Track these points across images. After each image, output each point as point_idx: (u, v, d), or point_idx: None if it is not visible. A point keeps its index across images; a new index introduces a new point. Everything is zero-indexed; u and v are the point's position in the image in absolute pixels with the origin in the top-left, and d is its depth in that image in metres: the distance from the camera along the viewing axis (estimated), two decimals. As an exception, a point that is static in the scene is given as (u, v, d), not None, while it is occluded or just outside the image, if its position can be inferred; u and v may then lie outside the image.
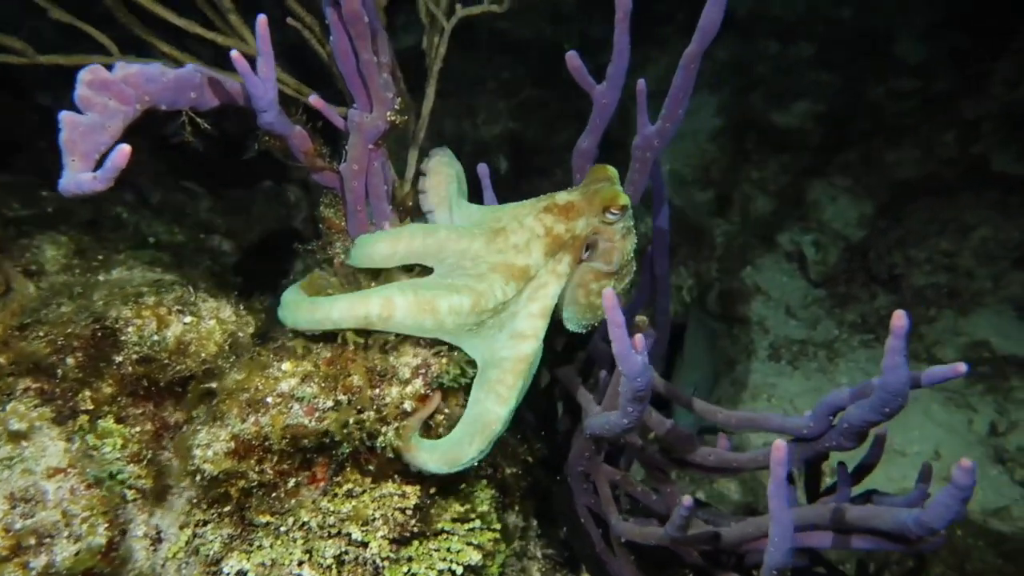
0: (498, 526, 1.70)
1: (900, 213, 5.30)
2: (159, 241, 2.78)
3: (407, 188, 1.72)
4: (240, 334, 1.55)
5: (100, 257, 1.81)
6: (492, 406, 1.38)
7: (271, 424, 1.25)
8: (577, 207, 1.47)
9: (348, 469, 1.38)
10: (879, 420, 1.30)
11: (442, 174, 1.59)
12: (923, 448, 3.27)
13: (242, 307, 1.57)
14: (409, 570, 1.44)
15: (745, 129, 6.26)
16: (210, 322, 1.46)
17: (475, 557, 1.54)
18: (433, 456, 1.35)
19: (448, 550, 1.52)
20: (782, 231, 5.54)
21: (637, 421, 1.36)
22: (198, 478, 1.23)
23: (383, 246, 1.42)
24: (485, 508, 1.65)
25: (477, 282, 1.40)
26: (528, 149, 5.59)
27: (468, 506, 1.61)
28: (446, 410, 1.43)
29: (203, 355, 1.41)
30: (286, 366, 1.30)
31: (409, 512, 1.44)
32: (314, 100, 1.49)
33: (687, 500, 1.37)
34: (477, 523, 1.61)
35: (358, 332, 1.29)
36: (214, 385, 1.29)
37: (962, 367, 1.14)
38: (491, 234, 1.49)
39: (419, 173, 1.63)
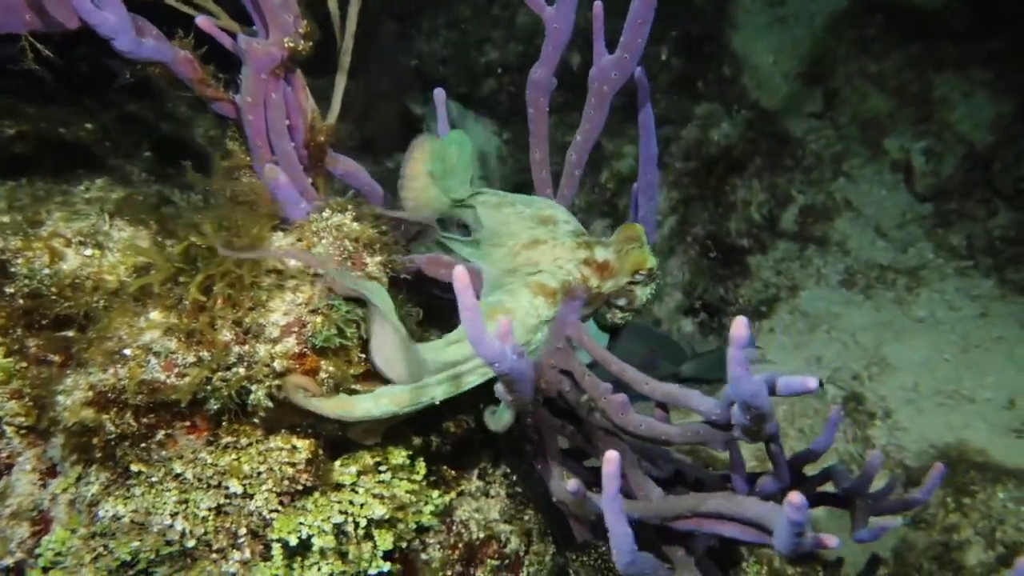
0: (419, 476, 1.64)
1: (1043, 114, 4.57)
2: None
3: (332, 121, 1.58)
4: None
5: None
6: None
7: (128, 377, 1.22)
8: (611, 268, 1.60)
9: (231, 422, 1.34)
10: (752, 426, 1.11)
11: (421, 161, 1.64)
12: (996, 395, 2.88)
13: (163, 238, 1.53)
14: (304, 522, 1.42)
15: (872, 11, 5.48)
16: (115, 255, 1.43)
17: (380, 510, 1.50)
18: (380, 400, 1.36)
19: (351, 503, 1.49)
20: (892, 136, 4.92)
21: (522, 400, 1.23)
22: (60, 425, 1.24)
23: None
24: (401, 460, 1.59)
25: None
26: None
27: (379, 458, 1.56)
28: (330, 368, 1.35)
29: (101, 290, 1.39)
30: (153, 315, 1.26)
31: (300, 466, 1.40)
32: (201, 21, 1.36)
33: (571, 484, 1.25)
34: (388, 475, 1.56)
35: (201, 288, 1.21)
36: (70, 333, 1.27)
37: (812, 382, 0.94)
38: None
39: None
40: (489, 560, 1.98)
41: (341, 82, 1.58)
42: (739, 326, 0.90)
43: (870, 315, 3.40)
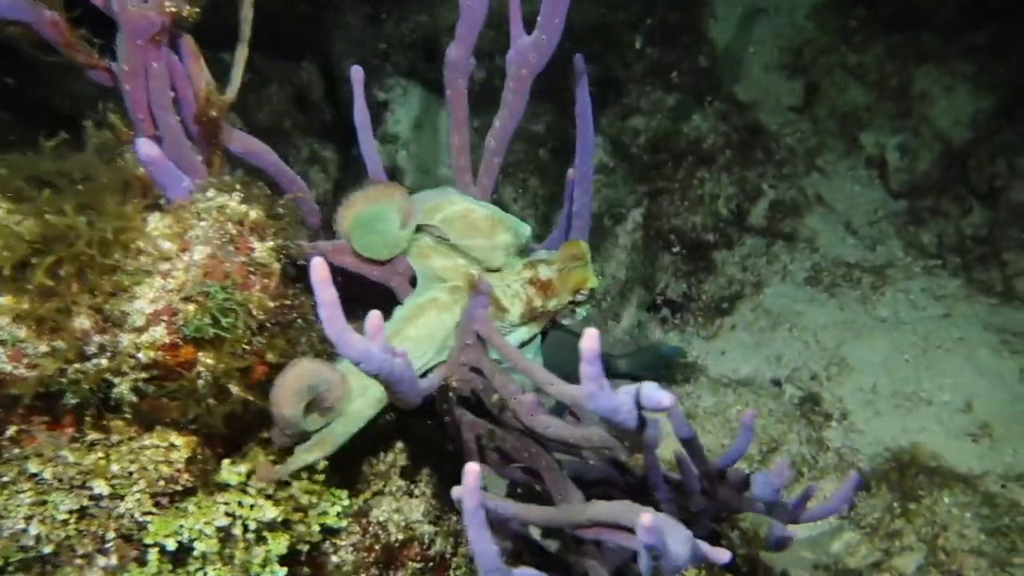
0: (322, 476, 1.55)
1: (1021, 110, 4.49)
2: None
3: (231, 96, 1.48)
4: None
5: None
6: None
7: (-28, 368, 1.12)
8: (554, 286, 1.60)
9: (97, 418, 1.25)
10: (623, 440, 1.02)
11: (348, 219, 1.57)
12: (954, 398, 2.81)
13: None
14: (184, 525, 1.33)
15: (856, 1, 5.37)
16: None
17: (271, 513, 1.41)
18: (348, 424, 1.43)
19: (239, 504, 1.40)
20: (869, 130, 4.83)
21: (405, 402, 1.15)
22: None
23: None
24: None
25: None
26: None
27: (274, 456, 1.46)
28: (209, 361, 1.25)
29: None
30: (3, 300, 1.16)
31: (179, 465, 1.31)
32: (68, -20, 1.25)
33: (454, 492, 1.16)
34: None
35: (49, 272, 1.11)
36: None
37: (667, 400, 0.85)
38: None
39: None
40: (411, 562, 1.89)
41: (242, 53, 1.47)
42: (589, 339, 0.82)
43: (833, 314, 3.32)
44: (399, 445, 1.90)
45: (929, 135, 4.68)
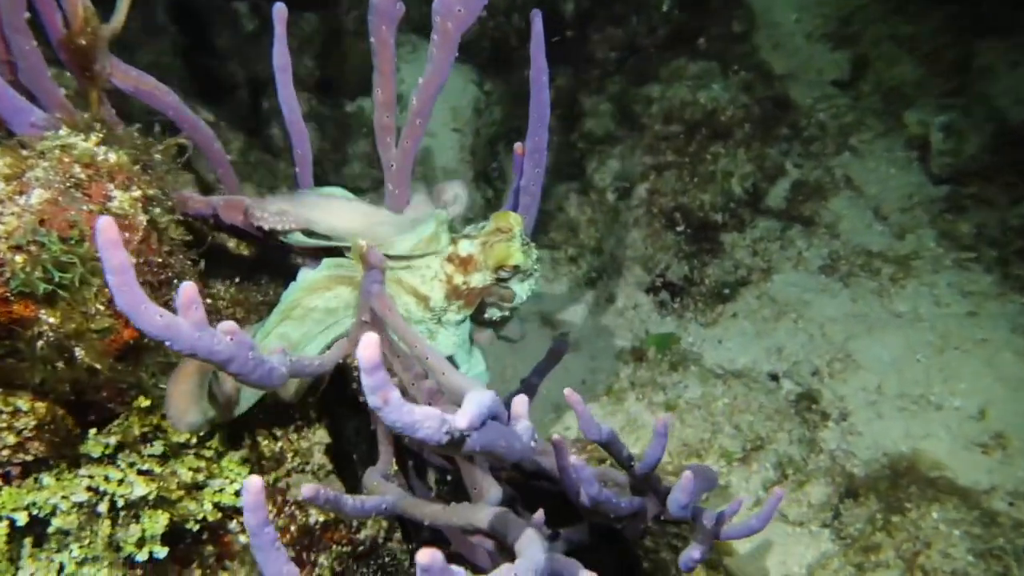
0: (211, 452, 1.43)
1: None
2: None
3: (115, 26, 1.33)
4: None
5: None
6: None
7: None
8: (475, 261, 1.50)
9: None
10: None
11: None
12: (966, 404, 2.54)
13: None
14: (37, 501, 1.22)
15: (915, -37, 4.95)
16: None
17: (142, 489, 1.29)
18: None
19: (105, 479, 1.28)
20: (915, 108, 4.46)
21: (253, 381, 1.02)
22: None
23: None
24: (183, 437, 1.38)
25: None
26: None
27: (148, 429, 1.35)
28: (53, 320, 1.13)
29: None
30: None
31: (27, 432, 1.20)
32: None
33: (306, 490, 1.04)
34: (161, 448, 1.35)
35: None
36: None
37: (463, 422, 0.70)
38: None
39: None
40: (336, 546, 1.77)
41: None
42: (364, 347, 0.67)
43: (845, 306, 3.05)
44: (323, 421, 1.78)
45: (982, 115, 4.30)
